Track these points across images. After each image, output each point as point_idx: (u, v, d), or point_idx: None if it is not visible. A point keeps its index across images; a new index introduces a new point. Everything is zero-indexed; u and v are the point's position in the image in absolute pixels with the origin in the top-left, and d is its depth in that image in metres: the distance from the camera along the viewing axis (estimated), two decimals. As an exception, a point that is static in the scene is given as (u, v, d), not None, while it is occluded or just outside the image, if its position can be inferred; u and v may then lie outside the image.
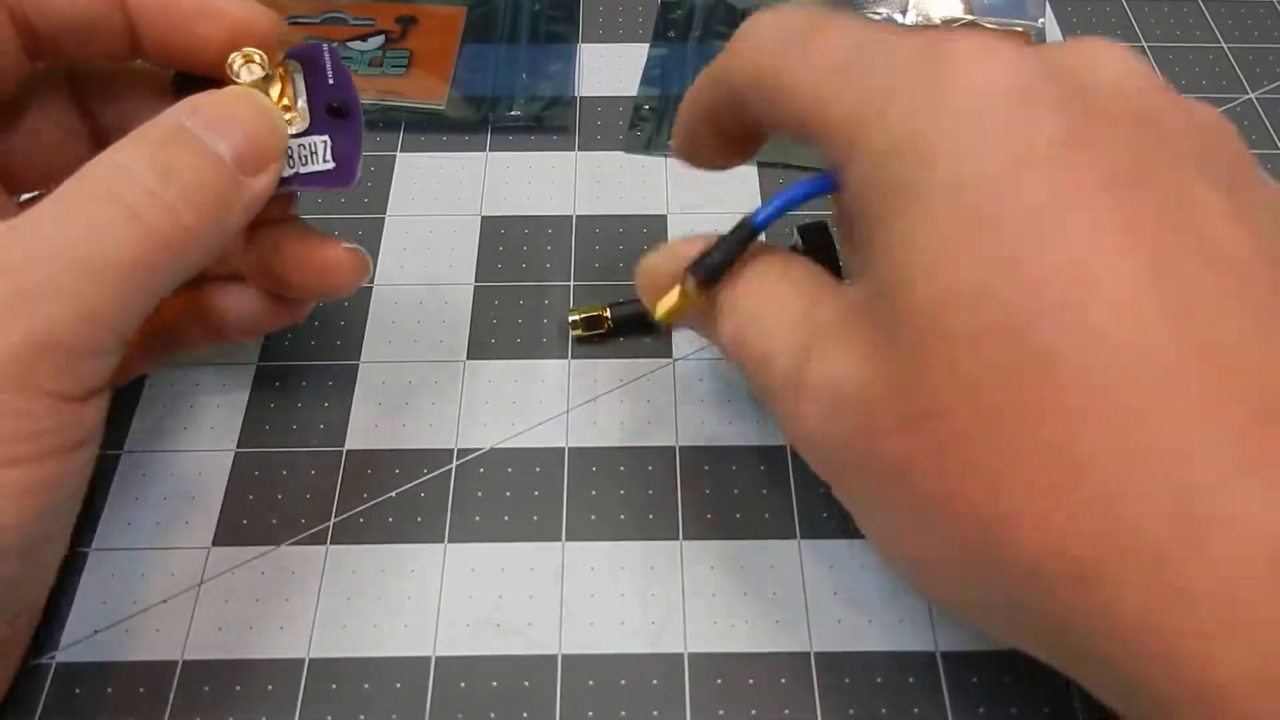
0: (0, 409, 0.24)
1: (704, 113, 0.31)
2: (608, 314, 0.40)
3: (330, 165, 0.32)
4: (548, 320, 0.41)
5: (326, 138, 0.32)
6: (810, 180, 0.27)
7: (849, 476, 0.26)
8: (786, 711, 0.31)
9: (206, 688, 0.32)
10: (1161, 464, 0.19)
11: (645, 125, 0.48)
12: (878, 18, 0.52)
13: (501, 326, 0.40)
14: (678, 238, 0.32)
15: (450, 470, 0.37)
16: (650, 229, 0.44)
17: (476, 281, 0.42)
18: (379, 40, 0.50)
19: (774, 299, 0.28)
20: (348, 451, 0.37)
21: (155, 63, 0.31)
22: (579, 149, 0.47)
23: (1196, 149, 0.23)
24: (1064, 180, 0.21)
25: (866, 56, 0.25)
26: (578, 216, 0.44)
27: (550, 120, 0.48)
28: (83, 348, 0.25)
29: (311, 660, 0.32)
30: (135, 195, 0.26)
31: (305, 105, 0.32)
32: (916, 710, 0.32)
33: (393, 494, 0.36)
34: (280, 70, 0.31)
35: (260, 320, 0.35)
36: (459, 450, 0.37)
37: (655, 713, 0.31)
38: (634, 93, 0.49)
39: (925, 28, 0.25)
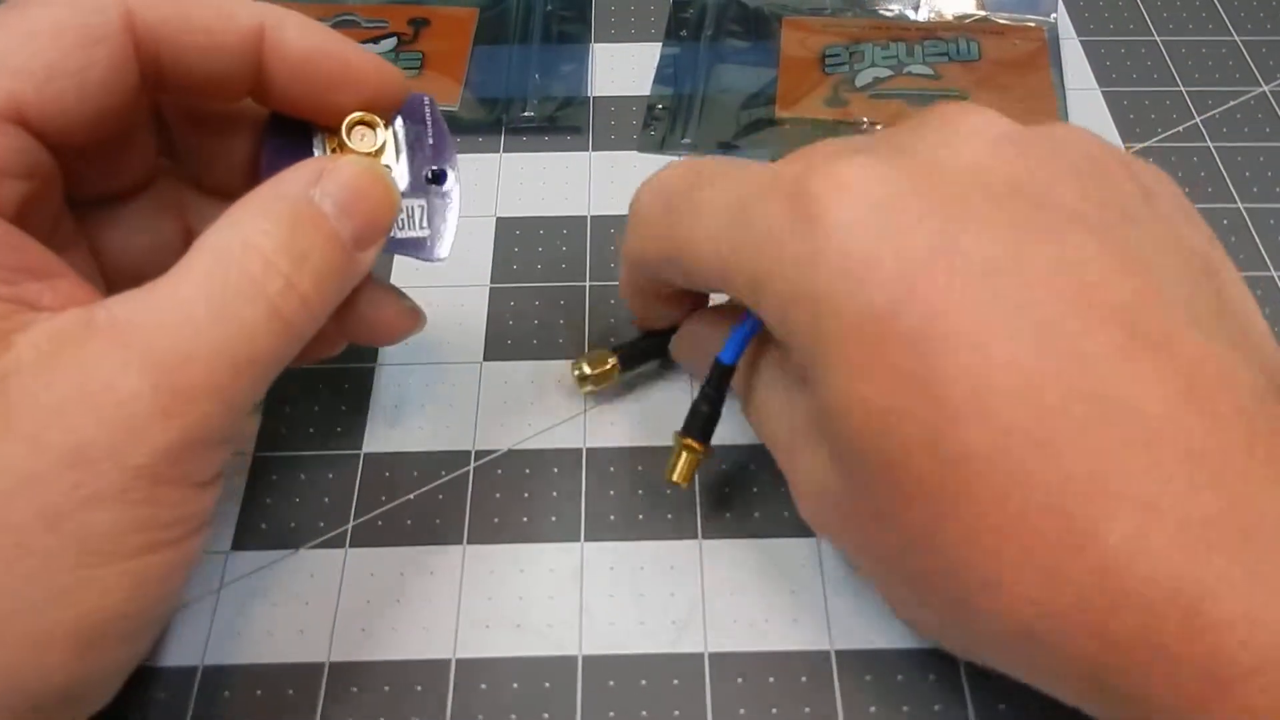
0: (154, 501, 0.24)
1: (641, 293, 0.35)
2: (613, 362, 0.37)
3: (425, 233, 0.31)
4: (564, 321, 0.41)
5: (423, 203, 0.31)
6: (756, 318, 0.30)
7: (847, 549, 0.30)
8: (808, 710, 0.31)
9: (226, 693, 0.32)
10: (1077, 530, 0.22)
11: (659, 124, 0.48)
12: (889, 14, 0.52)
13: (517, 328, 0.40)
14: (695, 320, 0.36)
15: (468, 472, 0.36)
16: (665, 228, 0.44)
17: (492, 283, 0.42)
18: (391, 42, 0.50)
19: (770, 403, 0.31)
20: (365, 454, 0.37)
21: (262, 105, 0.31)
22: (593, 149, 0.47)
23: (1076, 189, 0.25)
24: (934, 291, 0.23)
25: (745, 216, 0.27)
26: (592, 217, 0.44)
27: (564, 120, 0.48)
28: (223, 438, 0.26)
29: (331, 664, 0.32)
30: (277, 290, 0.25)
31: (406, 163, 0.31)
32: (938, 708, 0.31)
33: (411, 496, 0.36)
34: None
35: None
36: (477, 452, 0.37)
37: (676, 713, 0.31)
38: (647, 92, 0.49)
39: (792, 156, 0.29)
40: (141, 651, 0.27)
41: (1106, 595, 0.21)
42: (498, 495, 0.36)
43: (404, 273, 0.42)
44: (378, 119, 0.30)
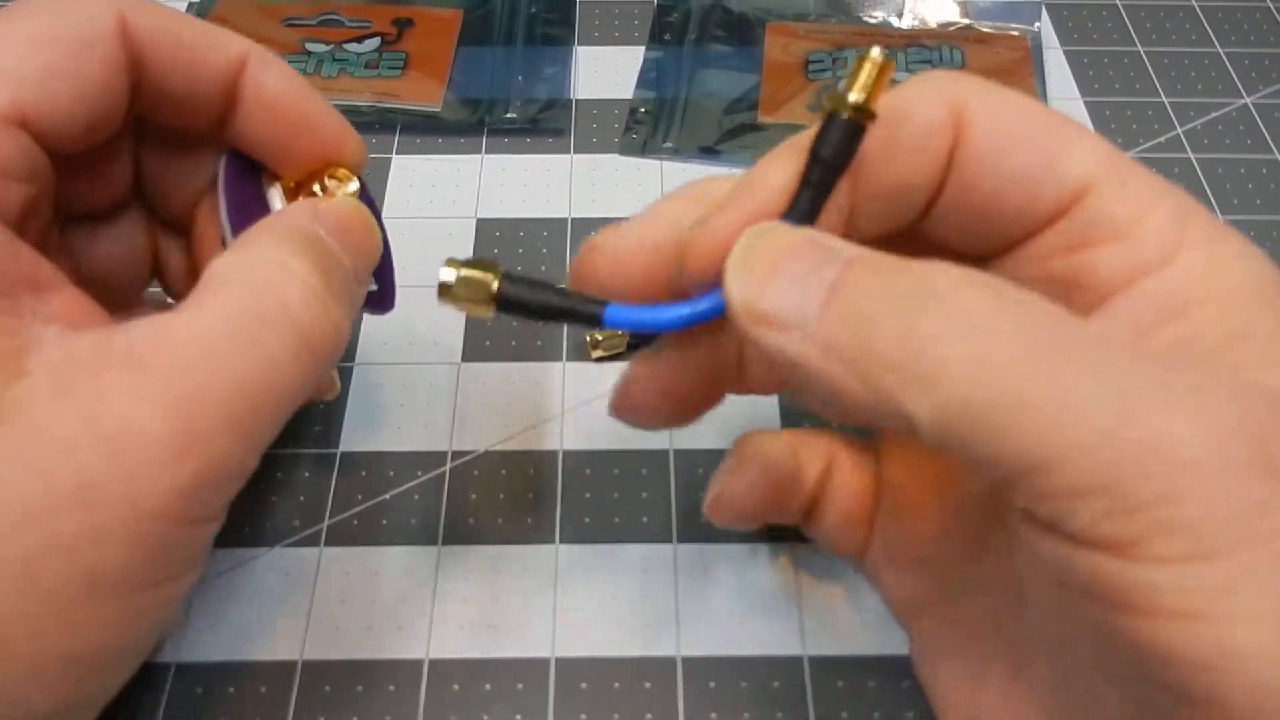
0: (163, 541, 0.23)
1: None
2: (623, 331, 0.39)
3: (374, 286, 0.31)
4: (541, 323, 0.41)
5: None
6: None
7: None
8: (779, 715, 0.31)
9: (199, 690, 0.32)
10: None
11: (641, 128, 0.48)
12: (873, 21, 0.53)
13: (496, 329, 0.40)
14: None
15: (444, 472, 0.36)
16: (646, 232, 0.44)
17: (472, 284, 0.42)
18: (375, 42, 0.50)
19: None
20: (342, 453, 0.37)
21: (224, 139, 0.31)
22: (574, 151, 0.47)
23: None
24: None
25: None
26: (573, 219, 0.44)
27: (546, 123, 0.48)
28: (239, 474, 0.25)
29: (305, 662, 0.32)
30: (311, 317, 0.25)
31: None
32: (910, 714, 0.32)
33: (387, 496, 0.36)
34: None
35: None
36: (453, 452, 0.37)
37: (649, 716, 0.31)
38: (630, 95, 0.49)
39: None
40: (127, 677, 0.26)
41: None
42: (473, 496, 0.36)
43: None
44: (349, 173, 0.31)
